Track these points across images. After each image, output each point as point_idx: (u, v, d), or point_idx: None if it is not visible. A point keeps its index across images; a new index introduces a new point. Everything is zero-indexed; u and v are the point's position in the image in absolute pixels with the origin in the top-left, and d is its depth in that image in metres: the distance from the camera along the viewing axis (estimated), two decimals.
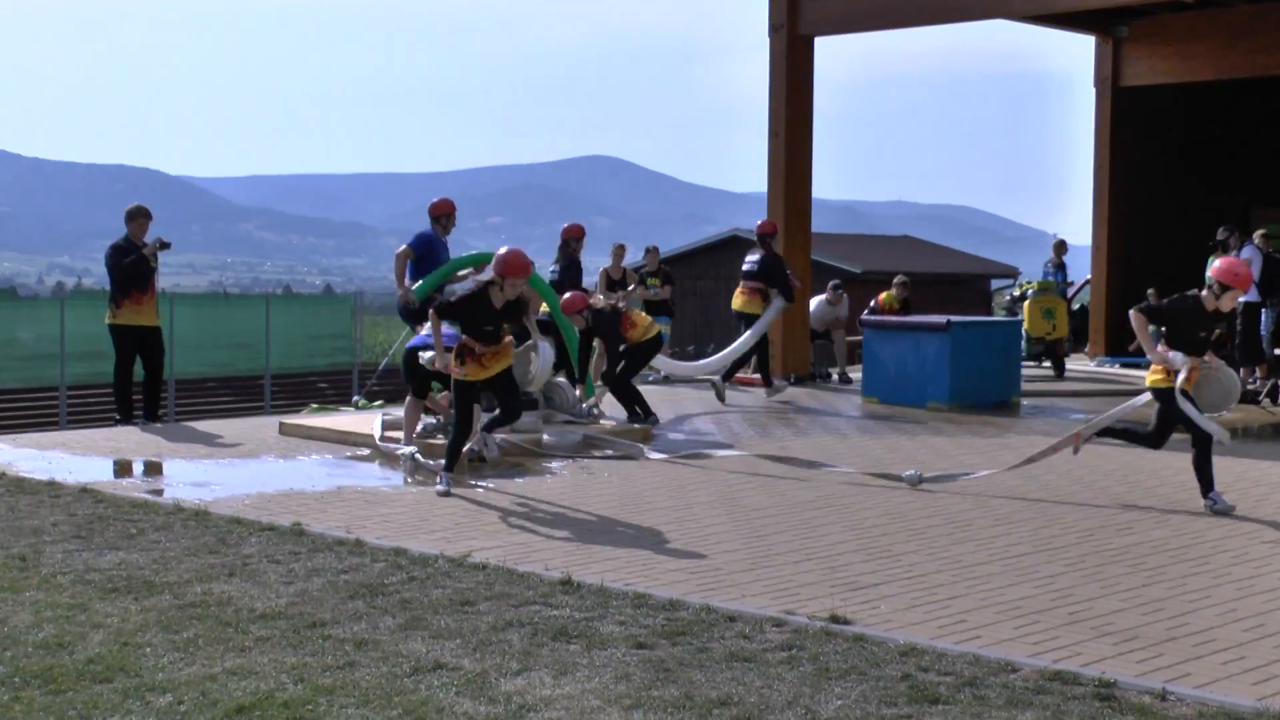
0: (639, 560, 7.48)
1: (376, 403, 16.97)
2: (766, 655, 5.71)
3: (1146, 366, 9.65)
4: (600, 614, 6.32)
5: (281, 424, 12.78)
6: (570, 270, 15.48)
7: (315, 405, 18.19)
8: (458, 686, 5.30)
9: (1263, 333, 17.01)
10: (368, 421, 12.72)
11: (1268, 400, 15.68)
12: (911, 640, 5.90)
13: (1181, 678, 5.45)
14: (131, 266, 13.32)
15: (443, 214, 13.18)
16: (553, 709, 5.06)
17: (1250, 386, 16.18)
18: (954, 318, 16.17)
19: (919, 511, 8.92)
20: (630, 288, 19.53)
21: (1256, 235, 16.79)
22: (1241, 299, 15.60)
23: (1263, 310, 16.93)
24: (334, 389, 28.47)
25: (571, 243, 15.57)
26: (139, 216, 13.56)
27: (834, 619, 6.22)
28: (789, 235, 17.28)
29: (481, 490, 9.67)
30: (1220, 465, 10.81)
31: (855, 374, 16.76)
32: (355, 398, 19.31)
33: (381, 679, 5.38)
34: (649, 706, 5.08)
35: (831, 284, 18.92)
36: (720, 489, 9.76)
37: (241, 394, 27.73)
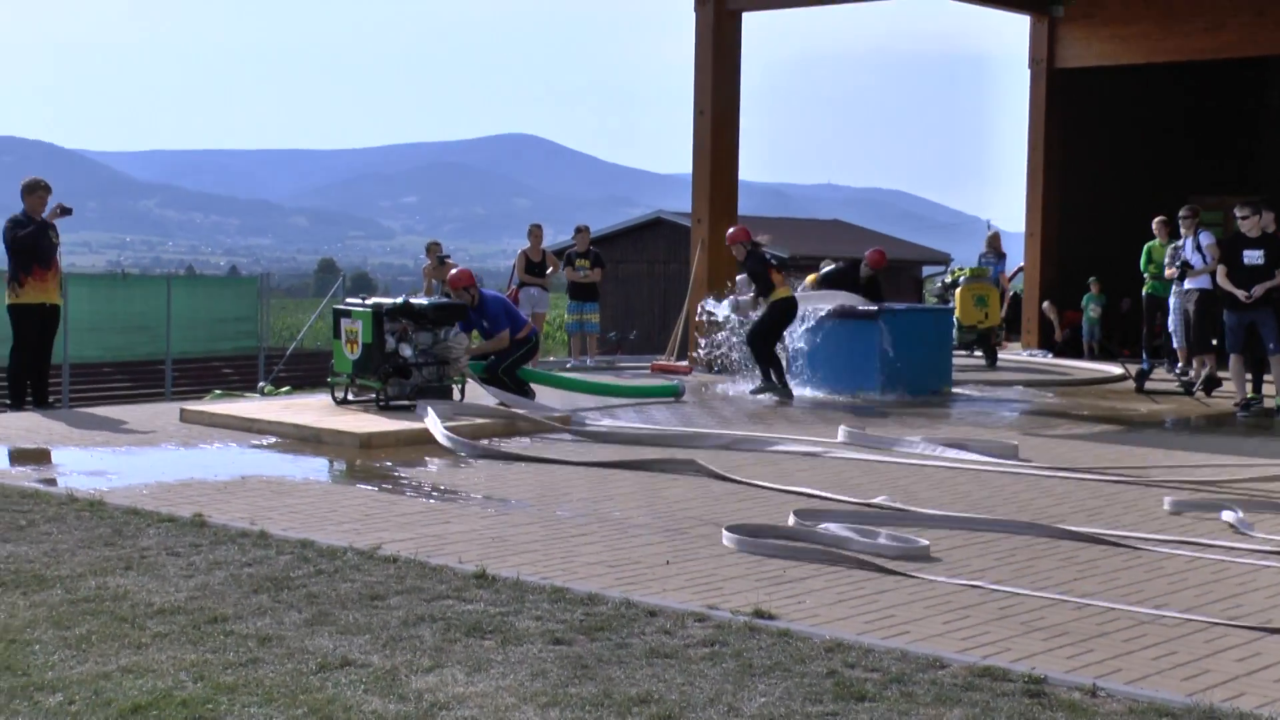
0: (556, 553, 7.25)
1: (284, 389, 16.64)
2: (688, 651, 5.51)
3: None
4: (515, 609, 6.09)
5: (183, 410, 12.42)
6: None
7: (219, 391, 17.81)
8: (366, 684, 5.05)
9: (1173, 321, 17.07)
10: (274, 408, 12.41)
11: (1202, 392, 15.72)
12: (837, 636, 5.72)
13: (1112, 673, 5.31)
14: (30, 238, 12.85)
15: None
16: (465, 707, 4.83)
17: (1185, 377, 16.24)
18: (886, 304, 16.08)
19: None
20: (549, 270, 19.28)
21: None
22: (1189, 285, 15.65)
23: (1172, 297, 16.99)
24: (238, 374, 27.91)
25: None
26: (38, 190, 13.08)
27: (758, 614, 6.02)
28: (714, 218, 17.07)
29: (392, 480, 9.39)
30: (1154, 459, 10.82)
31: None
32: (262, 384, 18.94)
33: (286, 676, 5.12)
34: (566, 704, 4.86)
35: None
36: (641, 480, 9.54)
37: (140, 379, 27.09)
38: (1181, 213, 15.91)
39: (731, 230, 15.39)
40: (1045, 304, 22.18)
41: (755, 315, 14.78)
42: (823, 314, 15.39)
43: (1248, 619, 6.13)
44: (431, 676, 5.15)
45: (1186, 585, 6.75)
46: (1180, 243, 16.91)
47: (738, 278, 15.53)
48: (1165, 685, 5.18)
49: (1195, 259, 15.58)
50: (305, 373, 27.47)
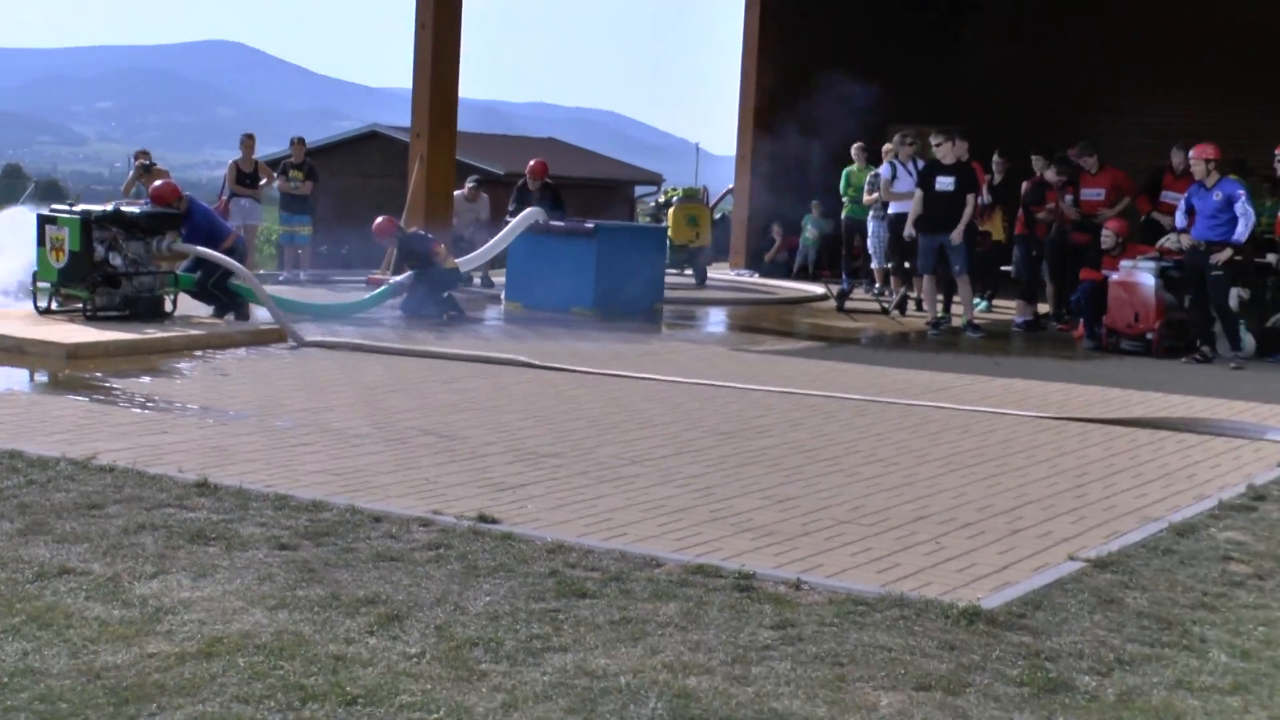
0: (278, 462, 7.26)
1: None
2: (414, 554, 5.64)
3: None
4: (239, 516, 6.10)
5: None
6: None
7: None
8: (87, 591, 5.01)
9: (872, 244, 17.88)
10: None
11: (897, 312, 16.53)
12: (559, 538, 5.94)
13: (814, 568, 5.68)
14: None
15: None
16: (192, 611, 4.85)
17: (882, 298, 17.05)
18: (601, 222, 16.31)
19: (563, 416, 8.98)
20: (262, 181, 18.86)
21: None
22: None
23: (871, 221, 17.79)
24: None
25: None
26: None
27: (482, 518, 6.19)
28: (434, 132, 16.99)
29: (104, 391, 9.17)
30: (855, 373, 11.40)
31: (498, 278, 16.71)
32: None
33: (1, 585, 5.04)
34: (294, 606, 4.94)
35: (470, 179, 18.81)
36: (360, 392, 9.57)
37: None
38: (900, 139, 16.40)
39: (378, 222, 15.18)
40: (774, 226, 22.89)
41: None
42: (537, 231, 15.55)
43: (932, 518, 6.61)
44: (155, 582, 5.15)
45: (880, 489, 7.21)
46: (880, 170, 17.68)
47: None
48: (862, 578, 5.58)
49: (907, 183, 15.98)
50: None
